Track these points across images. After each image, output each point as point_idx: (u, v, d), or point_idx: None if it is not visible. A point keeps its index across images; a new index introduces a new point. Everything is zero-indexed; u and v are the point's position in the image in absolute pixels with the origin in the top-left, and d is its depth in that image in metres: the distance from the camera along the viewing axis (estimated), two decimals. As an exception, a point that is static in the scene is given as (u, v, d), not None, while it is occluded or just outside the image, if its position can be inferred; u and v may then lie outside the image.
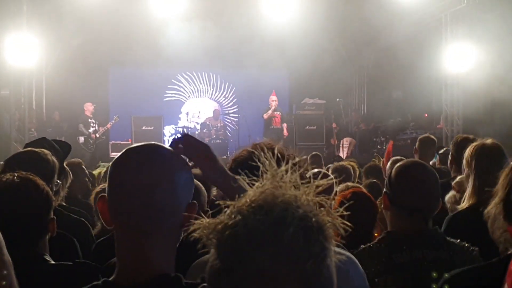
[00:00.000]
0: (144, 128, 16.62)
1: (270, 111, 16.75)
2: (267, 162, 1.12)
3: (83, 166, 5.97)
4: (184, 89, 19.69)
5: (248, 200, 1.06)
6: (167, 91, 19.44)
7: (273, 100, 16.92)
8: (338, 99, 17.22)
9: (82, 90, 16.20)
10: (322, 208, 1.07)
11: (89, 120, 16.00)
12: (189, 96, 19.60)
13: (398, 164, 2.88)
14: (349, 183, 4.93)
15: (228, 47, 16.90)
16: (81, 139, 15.79)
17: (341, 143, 16.72)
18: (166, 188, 1.55)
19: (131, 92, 18.09)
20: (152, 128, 16.77)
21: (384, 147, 16.17)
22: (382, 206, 2.90)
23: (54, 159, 3.28)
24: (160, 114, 17.33)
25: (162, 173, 1.56)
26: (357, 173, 6.34)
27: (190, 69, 19.43)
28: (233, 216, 1.04)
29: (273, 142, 2.15)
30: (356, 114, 18.07)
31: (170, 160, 1.60)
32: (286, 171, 1.11)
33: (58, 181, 3.39)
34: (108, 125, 16.24)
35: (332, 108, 17.30)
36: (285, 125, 16.84)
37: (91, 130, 15.90)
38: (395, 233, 2.76)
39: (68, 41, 15.99)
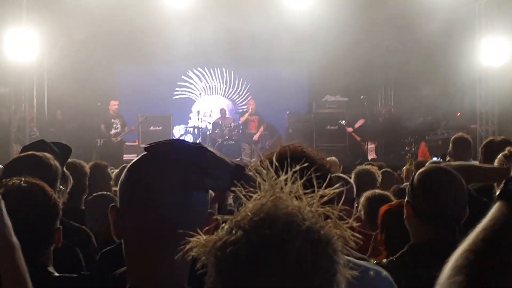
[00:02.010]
0: (152, 128, 16.66)
1: (246, 114, 17.31)
2: (264, 171, 1.11)
3: (109, 170, 6.10)
4: (195, 86, 19.74)
5: (248, 213, 1.05)
6: (176, 89, 19.51)
7: (250, 104, 17.52)
8: (362, 97, 17.16)
9: (86, 88, 16.23)
10: (329, 220, 1.07)
11: (113, 120, 15.77)
12: (200, 94, 19.63)
13: (420, 170, 2.88)
14: (377, 190, 4.91)
15: (242, 41, 16.91)
16: (100, 141, 15.66)
17: (366, 146, 16.65)
18: (195, 195, 1.59)
19: (138, 90, 18.15)
20: (160, 128, 16.82)
21: (413, 149, 16.10)
22: (405, 215, 2.89)
23: (57, 164, 3.32)
24: (169, 113, 17.39)
25: (191, 180, 1.59)
26: (380, 179, 6.29)
27: (202, 64, 19.49)
28: (233, 231, 1.03)
29: (303, 145, 2.18)
30: (386, 110, 17.95)
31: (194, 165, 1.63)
32: (286, 180, 1.10)
33: (61, 186, 3.44)
34: (133, 127, 16.12)
35: (355, 106, 17.24)
36: (261, 128, 17.13)
37: (113, 132, 15.62)
38: (420, 246, 2.74)
39: (71, 36, 16.05)
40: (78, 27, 15.42)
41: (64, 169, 3.69)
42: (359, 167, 6.50)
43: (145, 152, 1.65)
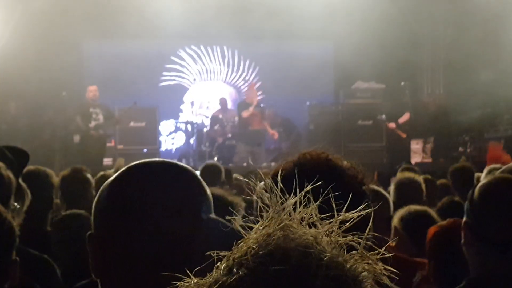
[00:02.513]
0: (132, 124, 16.61)
1: (251, 108, 16.82)
2: (266, 194, 1.08)
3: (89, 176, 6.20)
4: (188, 70, 19.78)
5: (252, 246, 1.03)
6: (164, 73, 19.55)
7: (253, 93, 17.18)
8: (402, 83, 17.15)
9: (47, 73, 16.25)
10: (355, 252, 1.04)
11: (91, 109, 15.55)
12: (194, 80, 19.68)
13: (483, 182, 2.81)
14: (413, 206, 4.90)
15: (251, 11, 16.91)
16: (77, 138, 15.51)
17: (410, 145, 16.63)
18: (204, 215, 1.61)
19: (114, 74, 18.12)
20: (143, 124, 16.79)
21: (469, 150, 16.08)
22: (462, 241, 2.86)
23: (10, 175, 3.31)
24: (154, 105, 17.38)
25: (197, 197, 1.63)
26: (424, 189, 6.34)
27: (197, 41, 19.52)
28: (234, 270, 1.01)
29: (327, 151, 2.17)
30: (431, 101, 17.93)
31: (200, 182, 1.67)
32: (295, 205, 1.07)
33: (15, 203, 3.43)
34: (117, 118, 16.05)
35: (394, 95, 17.23)
36: (266, 124, 16.95)
37: (93, 124, 15.44)
38: (483, 281, 2.70)
39: (28, 7, 16.08)
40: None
41: (20, 180, 3.69)
42: (399, 175, 6.51)
43: (135, 164, 1.66)
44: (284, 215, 1.06)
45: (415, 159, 16.25)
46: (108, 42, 18.65)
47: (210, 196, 1.68)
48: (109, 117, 15.78)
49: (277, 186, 1.09)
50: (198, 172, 1.74)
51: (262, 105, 17.43)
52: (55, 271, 3.79)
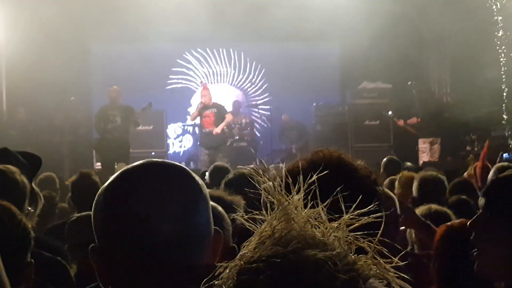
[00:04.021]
0: (140, 127, 16.54)
1: (196, 111, 16.40)
2: (272, 187, 1.03)
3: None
4: (195, 73, 19.76)
5: (255, 257, 0.98)
6: (170, 76, 19.52)
7: (204, 95, 16.32)
8: (409, 83, 17.09)
9: (55, 78, 16.25)
10: (364, 255, 1.00)
11: (110, 112, 14.98)
12: (201, 82, 19.65)
13: (503, 175, 2.71)
14: (433, 206, 4.94)
15: (256, 14, 16.88)
16: (94, 142, 15.36)
17: (418, 145, 16.55)
18: (201, 216, 1.62)
19: (121, 78, 18.01)
20: (151, 127, 16.76)
21: (476, 148, 16.03)
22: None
23: (24, 180, 3.35)
24: (162, 108, 17.34)
25: (192, 198, 1.62)
26: (447, 186, 6.42)
27: (203, 44, 19.47)
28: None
29: (339, 150, 2.19)
30: (430, 98, 17.84)
31: (194, 180, 1.66)
32: (307, 201, 1.03)
33: (29, 208, 3.46)
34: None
35: (401, 95, 17.17)
36: (227, 119, 16.13)
37: (109, 127, 14.85)
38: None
39: (35, 11, 16.09)
40: (43, 1, 15.44)
41: (33, 185, 3.73)
42: (423, 173, 6.60)
43: (126, 169, 1.66)
44: (291, 211, 1.00)
45: (423, 158, 16.21)
46: (115, 46, 18.62)
47: (208, 196, 1.67)
48: (126, 118, 15.02)
49: (287, 182, 1.04)
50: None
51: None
52: (68, 273, 3.80)
